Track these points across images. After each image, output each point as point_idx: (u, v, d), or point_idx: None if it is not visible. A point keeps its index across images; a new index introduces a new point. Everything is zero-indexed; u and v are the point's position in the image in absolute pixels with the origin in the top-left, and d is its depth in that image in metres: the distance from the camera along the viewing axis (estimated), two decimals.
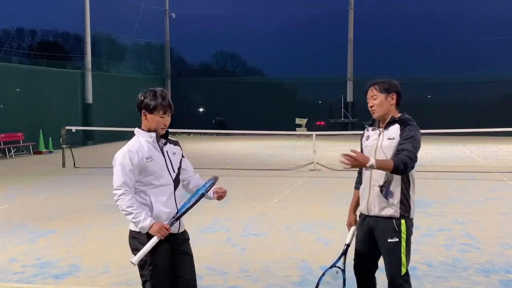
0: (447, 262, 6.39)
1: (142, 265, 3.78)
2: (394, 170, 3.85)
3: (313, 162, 15.49)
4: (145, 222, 3.67)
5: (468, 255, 6.69)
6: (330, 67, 33.00)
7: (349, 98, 32.47)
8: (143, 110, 3.85)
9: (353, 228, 4.31)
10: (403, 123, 4.04)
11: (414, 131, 3.98)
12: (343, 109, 32.12)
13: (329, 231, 7.94)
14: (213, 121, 31.49)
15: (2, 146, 20.03)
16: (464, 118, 26.07)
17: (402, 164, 3.82)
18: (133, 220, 3.71)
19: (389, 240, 4.00)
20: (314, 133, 16.52)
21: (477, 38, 30.31)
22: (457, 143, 20.95)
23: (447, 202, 10.29)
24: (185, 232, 4.00)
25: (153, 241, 3.71)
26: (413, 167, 3.93)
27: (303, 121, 30.44)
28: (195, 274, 3.98)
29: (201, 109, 34.17)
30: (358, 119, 31.26)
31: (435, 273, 5.89)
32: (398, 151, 3.92)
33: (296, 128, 29.12)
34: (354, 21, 32.65)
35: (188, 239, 4.02)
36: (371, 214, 4.09)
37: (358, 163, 3.79)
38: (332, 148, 18.14)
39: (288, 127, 26.56)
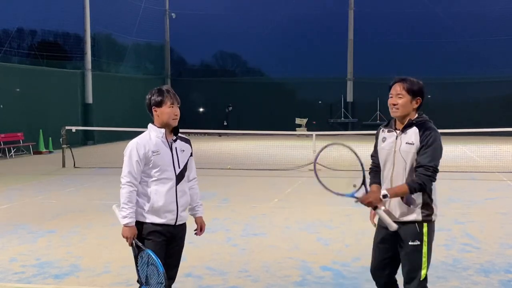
0: (447, 262, 6.39)
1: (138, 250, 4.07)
2: (411, 193, 3.83)
3: (313, 162, 15.45)
4: (124, 220, 4.02)
5: (468, 255, 6.69)
6: (330, 67, 32.98)
7: (349, 98, 32.46)
8: (153, 107, 4.10)
9: (381, 208, 3.91)
10: (421, 126, 3.88)
11: (433, 137, 3.83)
12: (343, 109, 32.13)
13: (329, 231, 7.91)
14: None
15: (2, 146, 20.01)
16: (464, 118, 26.08)
17: (418, 185, 3.79)
18: (120, 212, 4.05)
19: (410, 243, 3.90)
20: (314, 133, 16.50)
21: (477, 38, 30.30)
22: (457, 143, 20.94)
23: (447, 202, 10.27)
24: (184, 225, 4.27)
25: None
26: (433, 179, 3.83)
27: (303, 121, 30.44)
28: (179, 262, 4.31)
29: (201, 109, 34.16)
30: (358, 119, 31.40)
31: (435, 273, 5.88)
32: (416, 166, 3.85)
33: (296, 128, 29.12)
34: (354, 21, 32.64)
35: (185, 232, 4.32)
36: (391, 219, 3.99)
37: (372, 203, 3.84)
38: (332, 148, 18.12)
39: (288, 127, 26.56)
